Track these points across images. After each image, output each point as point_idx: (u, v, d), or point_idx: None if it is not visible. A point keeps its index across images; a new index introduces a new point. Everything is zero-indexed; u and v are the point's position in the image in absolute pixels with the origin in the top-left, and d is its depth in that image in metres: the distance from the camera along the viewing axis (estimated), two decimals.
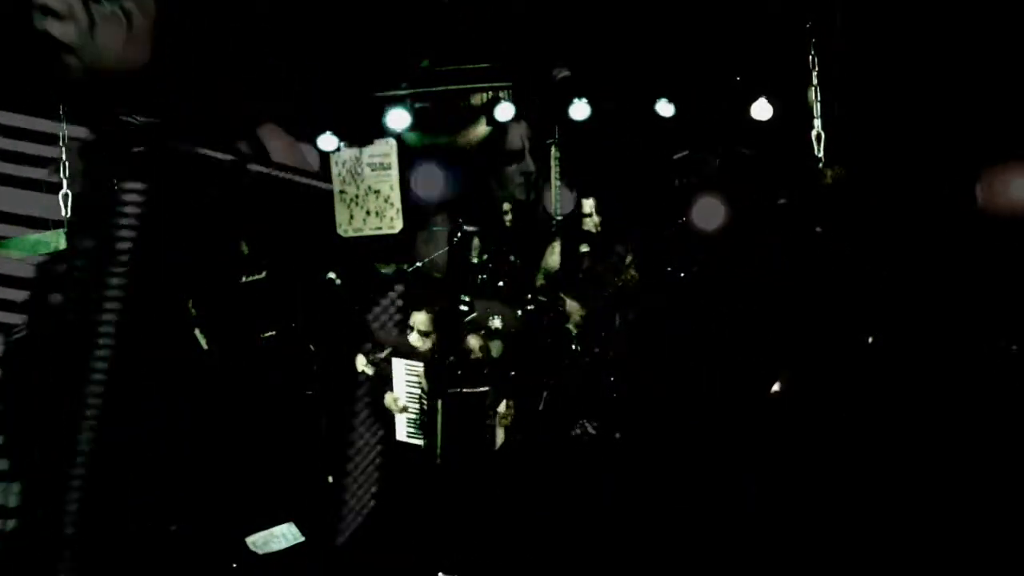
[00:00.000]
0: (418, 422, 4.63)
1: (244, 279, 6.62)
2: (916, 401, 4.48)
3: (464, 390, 4.56)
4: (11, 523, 4.58)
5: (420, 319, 4.69)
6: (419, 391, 4.58)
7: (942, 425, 4.30)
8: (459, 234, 6.76)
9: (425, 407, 4.56)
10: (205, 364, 6.16)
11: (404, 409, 4.65)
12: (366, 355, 4.82)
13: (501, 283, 6.56)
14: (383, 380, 4.69)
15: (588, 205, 6.00)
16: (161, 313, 5.91)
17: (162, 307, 5.91)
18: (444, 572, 4.32)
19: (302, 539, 4.61)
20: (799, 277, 5.58)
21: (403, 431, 4.71)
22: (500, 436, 4.72)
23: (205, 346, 6.14)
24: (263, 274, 6.64)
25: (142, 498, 4.88)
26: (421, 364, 4.58)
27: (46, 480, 4.66)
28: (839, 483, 4.46)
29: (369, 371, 4.78)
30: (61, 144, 4.55)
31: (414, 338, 4.68)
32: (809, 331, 5.42)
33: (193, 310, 6.16)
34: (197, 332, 6.13)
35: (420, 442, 4.64)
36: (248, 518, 4.71)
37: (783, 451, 4.91)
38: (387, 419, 4.76)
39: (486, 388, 4.59)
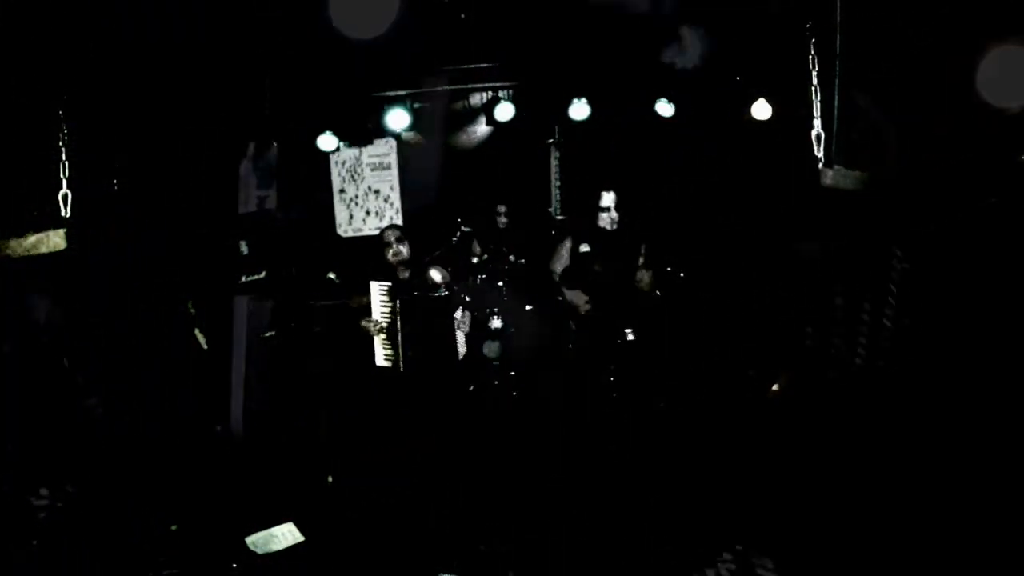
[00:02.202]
0: (389, 340, 5.16)
1: (244, 279, 6.63)
2: (918, 401, 4.49)
3: (420, 293, 5.11)
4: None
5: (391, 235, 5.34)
6: (388, 306, 5.13)
7: (943, 426, 4.30)
8: (458, 234, 6.75)
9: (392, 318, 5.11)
10: (208, 364, 6.17)
11: (380, 330, 5.17)
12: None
13: (500, 283, 6.56)
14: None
15: (609, 198, 5.50)
16: (161, 313, 5.91)
17: (162, 307, 5.91)
18: (444, 572, 4.32)
19: (302, 539, 4.60)
20: (800, 276, 5.60)
21: (381, 355, 5.22)
22: (462, 343, 5.25)
23: (205, 346, 6.14)
24: (263, 274, 6.65)
25: (142, 497, 4.88)
26: (390, 283, 5.16)
27: (44, 480, 4.65)
28: (839, 483, 4.46)
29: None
30: (61, 143, 4.53)
31: (391, 252, 5.23)
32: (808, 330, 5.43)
33: (193, 310, 6.16)
34: (197, 332, 6.13)
35: (390, 362, 5.16)
36: (248, 518, 4.70)
37: (782, 451, 4.92)
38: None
39: (443, 293, 5.14)
